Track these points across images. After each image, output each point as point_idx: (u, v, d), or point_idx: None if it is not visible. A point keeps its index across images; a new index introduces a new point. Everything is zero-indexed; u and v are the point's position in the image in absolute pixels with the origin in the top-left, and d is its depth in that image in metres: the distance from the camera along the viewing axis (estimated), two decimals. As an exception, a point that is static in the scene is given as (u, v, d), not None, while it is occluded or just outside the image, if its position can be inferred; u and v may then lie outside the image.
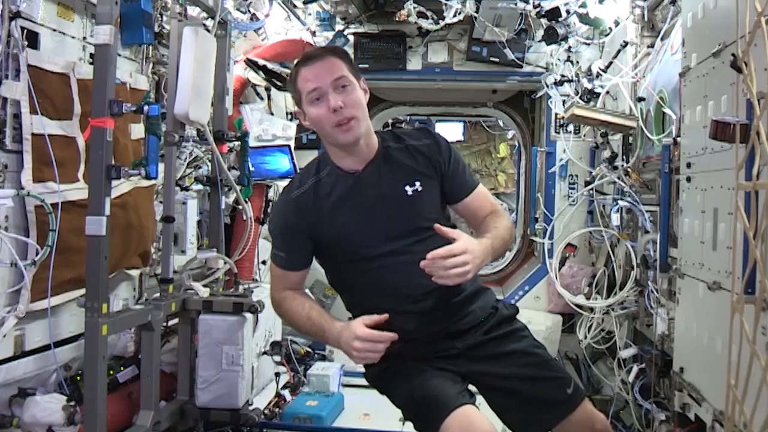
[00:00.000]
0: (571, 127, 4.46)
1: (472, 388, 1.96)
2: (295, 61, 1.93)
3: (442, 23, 4.09)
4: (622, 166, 3.68)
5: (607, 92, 3.91)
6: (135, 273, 3.10)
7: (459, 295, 1.94)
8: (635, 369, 3.21)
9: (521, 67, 4.42)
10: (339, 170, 1.93)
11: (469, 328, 1.96)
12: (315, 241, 1.96)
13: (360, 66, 4.51)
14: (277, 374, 3.78)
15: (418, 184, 1.91)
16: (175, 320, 3.14)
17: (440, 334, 1.93)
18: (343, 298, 2.09)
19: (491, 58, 4.43)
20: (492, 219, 1.99)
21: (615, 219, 3.70)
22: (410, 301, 1.89)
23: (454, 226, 2.03)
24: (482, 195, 2.04)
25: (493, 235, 1.87)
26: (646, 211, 3.28)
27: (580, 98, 4.04)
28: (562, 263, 4.28)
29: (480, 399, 1.97)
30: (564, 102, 4.29)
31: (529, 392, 1.90)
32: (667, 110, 2.98)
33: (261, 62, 4.13)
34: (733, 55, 1.80)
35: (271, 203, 4.24)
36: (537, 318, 4.30)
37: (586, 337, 3.96)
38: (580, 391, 1.94)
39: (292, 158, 4.17)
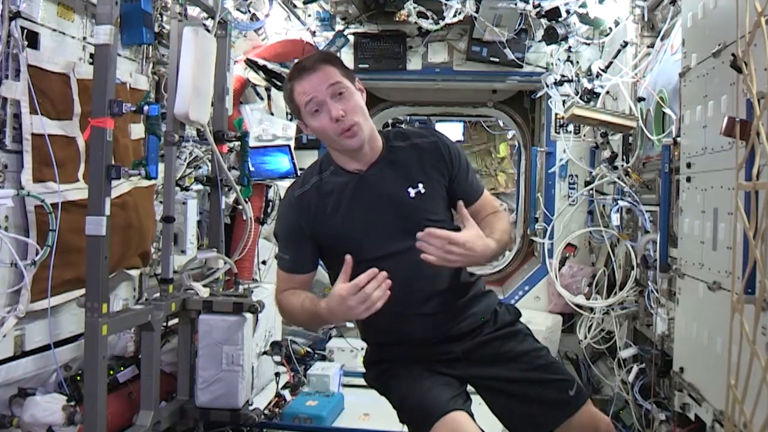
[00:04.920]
0: (571, 127, 4.46)
1: (472, 392, 1.95)
2: (288, 76, 1.90)
3: (442, 23, 4.09)
4: (622, 166, 3.68)
5: (607, 92, 3.91)
6: (135, 273, 3.11)
7: (460, 299, 1.93)
8: (635, 369, 3.21)
9: (521, 67, 4.42)
10: (342, 170, 1.92)
11: (469, 332, 1.95)
12: (317, 241, 1.95)
13: (360, 66, 4.52)
14: (277, 374, 3.78)
15: (420, 186, 1.90)
16: (175, 320, 3.14)
17: (440, 337, 1.92)
18: None
19: (491, 58, 4.43)
20: (495, 220, 1.97)
21: (615, 219, 3.70)
22: (410, 304, 1.88)
23: (458, 229, 2.03)
24: (486, 201, 2.04)
25: (498, 239, 1.85)
26: (646, 211, 3.28)
27: (580, 98, 4.04)
28: (562, 263, 4.28)
29: (480, 401, 1.96)
30: (564, 102, 4.28)
31: (530, 394, 1.89)
32: (667, 110, 2.98)
33: (261, 62, 4.13)
34: (733, 55, 1.80)
35: (271, 203, 4.24)
36: (537, 318, 4.30)
37: (586, 337, 3.96)
38: (582, 393, 1.92)
39: (292, 158, 4.17)
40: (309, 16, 4.54)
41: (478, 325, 1.96)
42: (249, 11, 3.95)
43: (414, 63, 4.63)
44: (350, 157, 1.90)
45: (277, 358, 3.67)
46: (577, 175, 4.48)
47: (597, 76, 4.02)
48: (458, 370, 1.92)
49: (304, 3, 4.32)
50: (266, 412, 3.45)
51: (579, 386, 1.93)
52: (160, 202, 3.15)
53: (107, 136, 2.33)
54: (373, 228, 1.88)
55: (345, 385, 3.95)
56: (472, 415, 1.80)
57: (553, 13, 3.93)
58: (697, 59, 2.34)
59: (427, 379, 1.86)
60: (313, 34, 4.56)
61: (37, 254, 2.35)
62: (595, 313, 3.88)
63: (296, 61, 1.97)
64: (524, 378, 1.90)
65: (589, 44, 4.26)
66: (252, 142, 3.77)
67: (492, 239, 1.82)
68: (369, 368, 2.04)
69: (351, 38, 4.58)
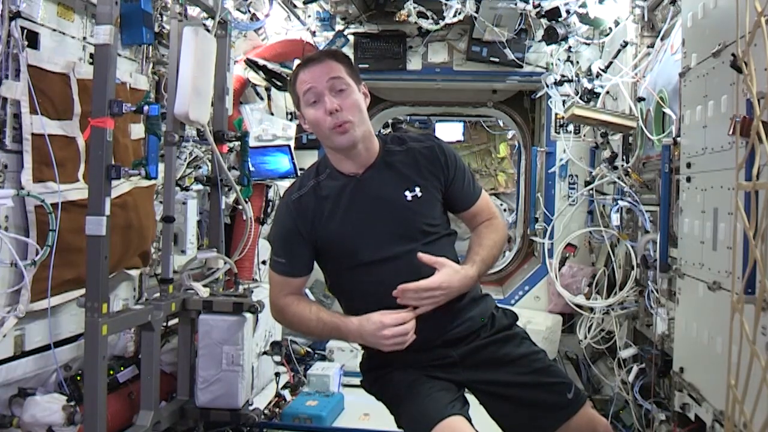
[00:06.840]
0: (571, 127, 4.47)
1: (470, 396, 1.95)
2: (296, 66, 1.93)
3: (442, 23, 4.09)
4: (622, 166, 3.68)
5: (607, 92, 3.91)
6: (135, 273, 3.11)
7: (457, 303, 1.92)
8: (635, 369, 3.21)
9: (521, 67, 4.43)
10: (338, 173, 1.92)
11: (466, 335, 1.94)
12: (314, 245, 1.94)
13: (360, 66, 4.51)
14: (277, 374, 3.78)
15: (417, 189, 1.89)
16: (175, 320, 3.14)
17: (437, 342, 1.91)
18: (340, 303, 2.06)
19: (491, 58, 4.43)
20: (486, 232, 1.98)
21: (615, 219, 3.70)
22: (406, 308, 1.86)
23: (454, 233, 2.03)
24: (483, 204, 2.04)
25: (482, 258, 1.91)
26: (646, 211, 3.28)
27: (580, 98, 4.04)
28: (562, 263, 4.28)
29: (479, 405, 1.96)
30: (564, 102, 4.29)
31: (528, 398, 1.88)
32: (667, 110, 2.98)
33: (261, 62, 4.13)
34: (733, 55, 1.81)
35: (271, 203, 4.24)
36: (537, 318, 4.30)
37: (586, 337, 3.96)
38: (580, 395, 1.92)
39: (292, 158, 4.18)
40: (309, 16, 4.55)
41: (476, 329, 1.96)
42: (249, 11, 3.95)
43: (414, 63, 4.64)
44: (345, 158, 1.90)
45: (277, 358, 3.67)
46: (577, 175, 4.49)
47: (597, 76, 4.02)
48: (455, 375, 1.91)
49: (304, 3, 4.33)
50: (266, 412, 3.45)
51: (577, 389, 1.93)
52: (160, 202, 3.15)
53: (107, 136, 2.33)
54: (369, 231, 1.88)
55: (345, 385, 3.96)
56: (469, 420, 1.80)
57: (553, 13, 3.93)
58: (697, 59, 2.34)
59: (424, 384, 1.86)
60: (313, 34, 4.57)
61: (37, 254, 2.35)
62: (595, 313, 3.88)
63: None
64: (522, 382, 1.90)
65: (589, 44, 4.27)
66: (252, 142, 3.77)
67: (474, 262, 1.88)
68: (366, 374, 2.03)
69: (351, 38, 4.59)
